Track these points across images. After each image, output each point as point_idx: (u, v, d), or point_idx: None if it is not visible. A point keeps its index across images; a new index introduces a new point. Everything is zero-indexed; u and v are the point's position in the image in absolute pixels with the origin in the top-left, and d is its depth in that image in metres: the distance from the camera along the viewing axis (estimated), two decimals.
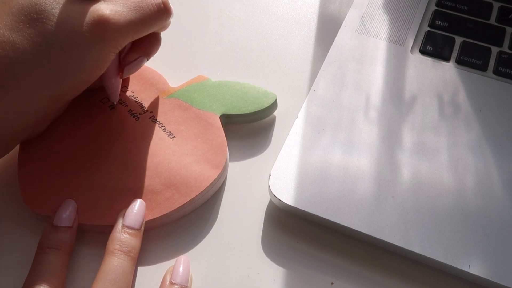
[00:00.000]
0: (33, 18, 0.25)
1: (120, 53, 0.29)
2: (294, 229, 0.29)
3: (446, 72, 0.34)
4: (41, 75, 0.25)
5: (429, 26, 0.37)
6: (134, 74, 0.33)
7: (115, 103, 0.31)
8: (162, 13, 0.29)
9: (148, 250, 0.28)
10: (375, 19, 0.37)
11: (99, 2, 0.27)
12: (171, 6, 0.29)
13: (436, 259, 0.26)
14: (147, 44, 0.30)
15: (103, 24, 0.26)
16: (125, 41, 0.28)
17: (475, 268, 0.26)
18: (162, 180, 0.29)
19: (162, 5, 0.28)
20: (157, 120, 0.31)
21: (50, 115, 0.29)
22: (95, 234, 0.28)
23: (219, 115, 0.31)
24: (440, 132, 0.31)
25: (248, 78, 0.35)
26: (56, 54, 0.25)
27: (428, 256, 0.26)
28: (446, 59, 0.35)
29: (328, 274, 0.27)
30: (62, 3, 0.26)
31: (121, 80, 0.31)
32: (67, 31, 0.25)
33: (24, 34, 0.25)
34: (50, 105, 0.27)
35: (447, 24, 0.36)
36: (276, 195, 0.28)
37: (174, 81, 0.34)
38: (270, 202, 0.30)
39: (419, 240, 0.27)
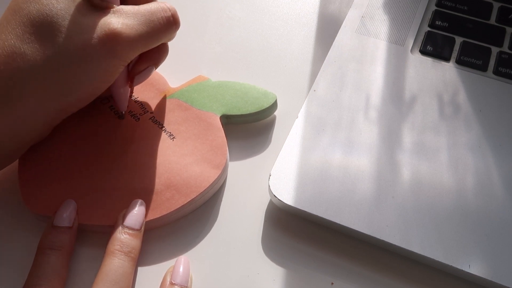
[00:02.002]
0: (44, 30, 0.25)
1: (128, 63, 0.29)
2: (294, 229, 0.29)
3: (446, 72, 0.34)
4: (50, 87, 0.25)
5: (429, 26, 0.37)
6: None
7: (123, 112, 0.31)
8: (171, 26, 0.29)
9: (148, 251, 0.28)
10: (375, 19, 0.37)
11: (110, 15, 0.26)
12: (179, 17, 0.29)
13: (436, 259, 0.26)
14: (155, 54, 0.30)
15: (114, 39, 0.26)
16: (135, 54, 0.28)
17: (475, 268, 0.26)
18: (162, 181, 0.29)
19: (171, 18, 0.28)
20: (157, 120, 0.31)
21: (55, 124, 0.29)
22: (95, 235, 0.28)
23: (219, 116, 0.31)
24: (440, 132, 0.31)
25: (248, 78, 0.35)
26: (66, 67, 0.25)
27: (428, 256, 0.26)
28: (446, 59, 0.35)
29: (328, 274, 0.27)
30: (74, 15, 0.25)
31: (129, 89, 0.31)
32: (78, 44, 0.25)
33: (35, 46, 0.25)
34: (56, 117, 0.28)
35: (447, 24, 0.36)
36: (276, 195, 0.28)
37: (174, 81, 0.34)
38: (270, 202, 0.30)
39: (419, 240, 0.27)
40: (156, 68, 0.31)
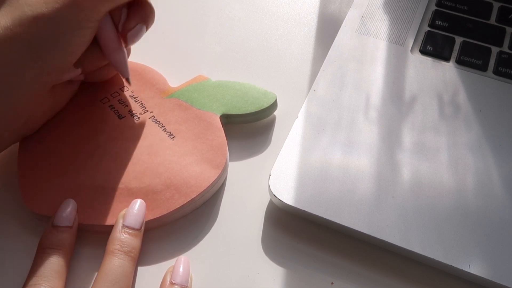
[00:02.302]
0: None
1: (116, 27, 0.29)
2: (294, 229, 0.29)
3: (446, 72, 0.34)
4: (22, 49, 0.25)
5: (429, 26, 0.37)
6: (134, 74, 0.33)
7: (128, 78, 0.31)
8: None
9: (148, 250, 0.28)
10: (375, 19, 0.37)
11: None
12: None
13: (436, 259, 0.26)
14: (141, 11, 0.30)
15: None
16: (102, 8, 0.27)
17: (475, 268, 0.26)
18: (162, 181, 0.29)
19: None
20: (157, 120, 0.31)
21: (44, 108, 0.29)
22: (95, 235, 0.28)
23: (219, 115, 0.31)
24: (440, 132, 0.31)
25: (248, 78, 0.35)
26: (34, 26, 0.25)
27: (428, 256, 0.26)
28: (446, 59, 0.35)
29: (328, 274, 0.27)
30: None
31: (126, 52, 0.31)
32: (41, 1, 0.25)
33: (2, 13, 0.25)
34: (37, 87, 0.27)
35: (447, 24, 0.36)
36: (276, 195, 0.28)
37: (174, 81, 0.34)
38: (270, 202, 0.30)
39: (419, 240, 0.27)
40: (147, 29, 0.30)
